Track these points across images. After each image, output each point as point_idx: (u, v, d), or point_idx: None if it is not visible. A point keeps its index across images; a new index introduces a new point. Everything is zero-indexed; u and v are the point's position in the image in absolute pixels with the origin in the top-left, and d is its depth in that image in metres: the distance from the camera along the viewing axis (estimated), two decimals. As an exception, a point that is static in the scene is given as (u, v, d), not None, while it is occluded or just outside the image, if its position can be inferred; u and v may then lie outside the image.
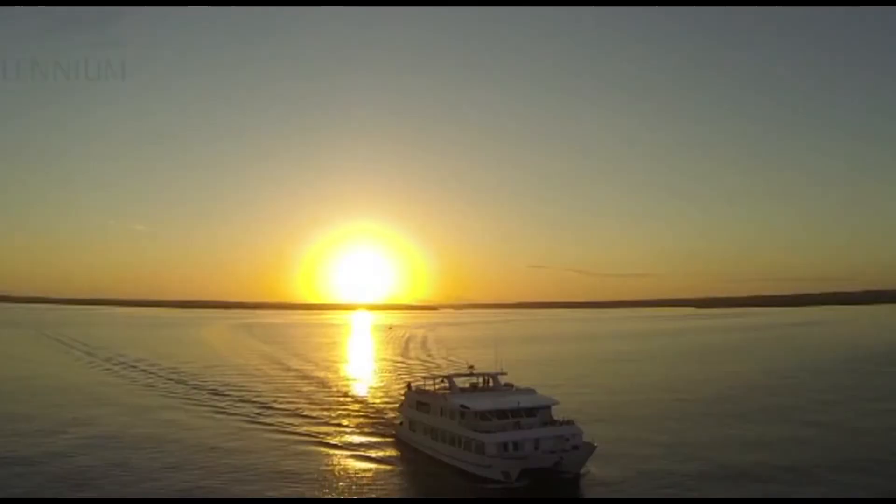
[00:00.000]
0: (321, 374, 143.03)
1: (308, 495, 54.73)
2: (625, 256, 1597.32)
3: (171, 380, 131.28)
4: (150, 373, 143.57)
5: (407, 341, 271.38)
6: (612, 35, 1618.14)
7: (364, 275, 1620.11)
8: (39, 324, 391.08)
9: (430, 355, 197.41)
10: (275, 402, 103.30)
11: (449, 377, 75.69)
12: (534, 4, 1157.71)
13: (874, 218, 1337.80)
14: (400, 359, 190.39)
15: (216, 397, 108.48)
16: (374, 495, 55.15)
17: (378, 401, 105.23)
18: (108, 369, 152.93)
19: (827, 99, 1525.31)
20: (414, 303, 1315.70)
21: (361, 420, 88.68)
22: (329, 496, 54.32)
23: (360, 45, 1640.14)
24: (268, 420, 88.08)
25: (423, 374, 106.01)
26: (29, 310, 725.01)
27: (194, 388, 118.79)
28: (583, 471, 59.12)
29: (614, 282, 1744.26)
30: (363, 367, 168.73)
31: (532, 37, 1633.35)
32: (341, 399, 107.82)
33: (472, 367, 78.35)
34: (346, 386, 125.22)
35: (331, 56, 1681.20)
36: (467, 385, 74.89)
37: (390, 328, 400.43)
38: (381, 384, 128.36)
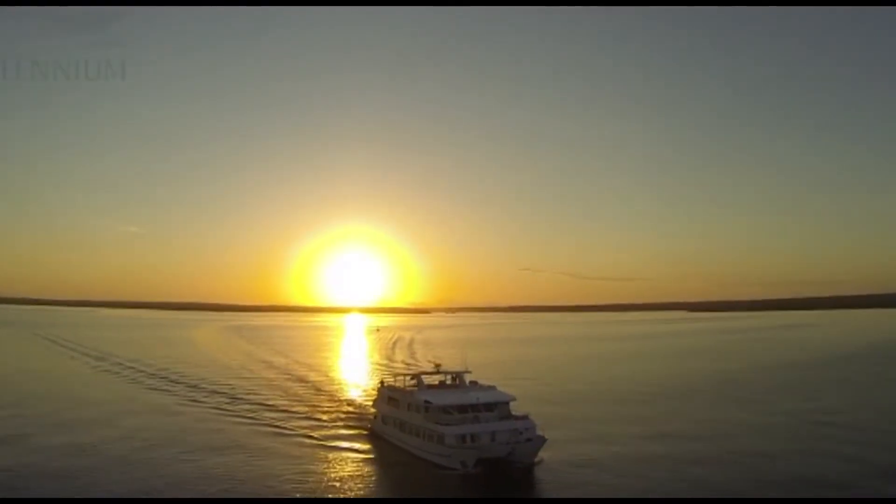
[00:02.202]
0: (305, 373, 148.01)
1: (287, 485, 58.79)
2: (617, 260, 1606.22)
3: (162, 378, 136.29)
4: (139, 370, 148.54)
5: (393, 343, 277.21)
6: (605, 38, 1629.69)
7: (356, 278, 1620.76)
8: (32, 324, 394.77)
9: (412, 355, 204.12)
10: (259, 399, 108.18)
11: (417, 375, 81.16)
12: (528, 4, 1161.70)
13: (869, 222, 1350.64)
14: (383, 359, 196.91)
15: (203, 395, 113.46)
16: (346, 484, 59.85)
17: (357, 397, 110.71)
18: (95, 367, 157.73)
19: (823, 102, 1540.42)
20: (406, 306, 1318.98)
21: (340, 415, 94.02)
22: (318, 494, 57.22)
23: (355, 46, 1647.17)
24: (250, 415, 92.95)
25: (396, 372, 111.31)
26: (22, 311, 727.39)
27: (184, 387, 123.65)
28: (536, 460, 64.42)
29: (606, 285, 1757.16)
30: (347, 366, 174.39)
31: (526, 40, 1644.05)
32: (323, 396, 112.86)
33: (438, 365, 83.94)
34: (329, 384, 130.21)
35: (325, 58, 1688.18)
36: (437, 382, 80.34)
37: (377, 330, 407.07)
38: (362, 382, 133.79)
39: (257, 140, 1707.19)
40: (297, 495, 56.10)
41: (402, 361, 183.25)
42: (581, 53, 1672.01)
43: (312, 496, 55.84)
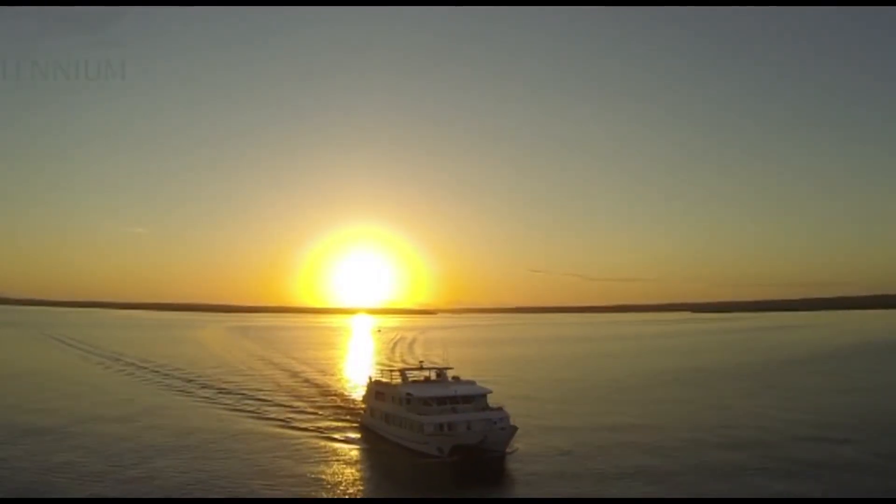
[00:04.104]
0: (305, 372, 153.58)
1: (283, 474, 63.04)
2: (625, 261, 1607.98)
3: (167, 375, 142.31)
4: (147, 369, 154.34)
5: (395, 343, 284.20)
6: (612, 38, 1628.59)
7: (364, 278, 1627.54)
8: (41, 325, 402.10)
9: (410, 354, 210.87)
10: (259, 395, 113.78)
11: (402, 370, 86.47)
12: (534, 4, 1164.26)
13: (876, 222, 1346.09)
14: (381, 358, 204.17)
15: (206, 391, 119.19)
16: (331, 473, 64.57)
17: (351, 393, 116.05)
18: (107, 367, 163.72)
19: (829, 102, 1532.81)
20: (413, 307, 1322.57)
21: (334, 410, 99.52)
22: (305, 484, 60.68)
23: (361, 46, 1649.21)
24: (251, 409, 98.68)
25: (384, 369, 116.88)
26: (29, 312, 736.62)
27: (187, 383, 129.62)
28: (510, 449, 69.66)
29: (614, 286, 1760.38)
30: (345, 365, 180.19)
31: (533, 39, 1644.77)
32: (320, 392, 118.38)
33: (421, 362, 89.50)
34: (326, 381, 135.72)
35: (332, 57, 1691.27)
36: (422, 378, 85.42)
37: (379, 331, 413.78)
38: (357, 379, 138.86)
39: (263, 140, 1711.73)
40: (290, 489, 59.50)
41: (400, 360, 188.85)
42: (588, 54, 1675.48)
43: (310, 494, 58.64)
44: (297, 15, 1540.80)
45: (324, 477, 62.55)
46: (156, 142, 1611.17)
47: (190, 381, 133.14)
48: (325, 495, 57.20)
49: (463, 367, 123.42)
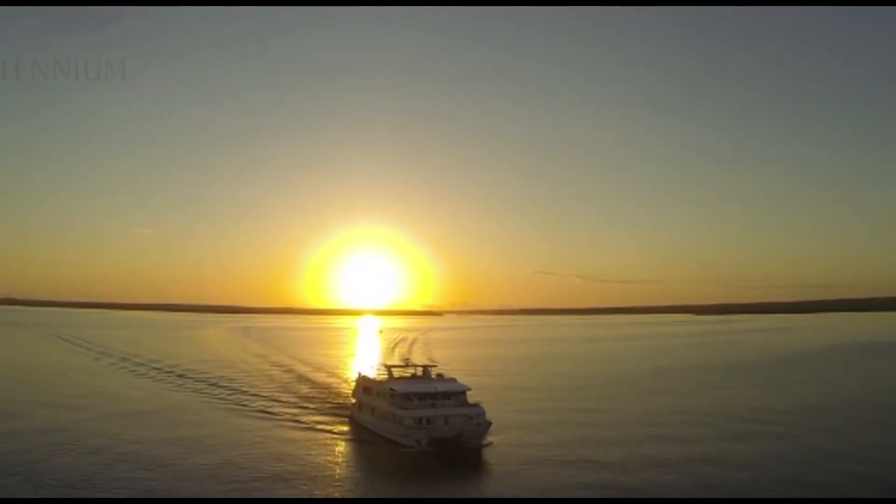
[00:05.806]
0: (304, 370, 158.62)
1: (279, 464, 67.43)
2: (632, 263, 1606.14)
3: (174, 374, 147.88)
4: (153, 367, 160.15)
5: (395, 343, 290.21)
6: (620, 39, 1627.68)
7: (370, 280, 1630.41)
8: (47, 325, 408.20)
9: (409, 354, 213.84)
10: (259, 391, 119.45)
11: (388, 367, 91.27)
12: (539, 4, 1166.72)
13: (882, 225, 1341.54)
14: (380, 357, 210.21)
15: (209, 387, 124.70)
16: (319, 461, 69.43)
17: (344, 389, 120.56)
18: (111, 364, 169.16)
19: (834, 104, 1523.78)
20: (419, 308, 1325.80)
21: (327, 404, 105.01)
22: (296, 474, 64.47)
23: (365, 47, 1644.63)
24: (251, 404, 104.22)
25: (371, 366, 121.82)
26: (35, 312, 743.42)
27: (189, 380, 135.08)
28: (485, 442, 74.43)
29: (620, 288, 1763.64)
30: (343, 364, 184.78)
31: (537, 39, 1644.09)
32: (316, 388, 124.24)
33: (407, 359, 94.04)
34: (323, 379, 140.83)
35: (335, 58, 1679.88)
36: (409, 375, 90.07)
37: (381, 332, 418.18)
38: (351, 376, 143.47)
39: (268, 141, 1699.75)
40: (283, 477, 63.47)
41: (399, 359, 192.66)
42: (594, 53, 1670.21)
43: (300, 481, 62.26)
44: (297, 15, 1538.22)
45: (312, 464, 67.51)
46: (158, 142, 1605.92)
47: (192, 379, 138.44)
48: (313, 482, 61.79)
49: (461, 367, 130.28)
